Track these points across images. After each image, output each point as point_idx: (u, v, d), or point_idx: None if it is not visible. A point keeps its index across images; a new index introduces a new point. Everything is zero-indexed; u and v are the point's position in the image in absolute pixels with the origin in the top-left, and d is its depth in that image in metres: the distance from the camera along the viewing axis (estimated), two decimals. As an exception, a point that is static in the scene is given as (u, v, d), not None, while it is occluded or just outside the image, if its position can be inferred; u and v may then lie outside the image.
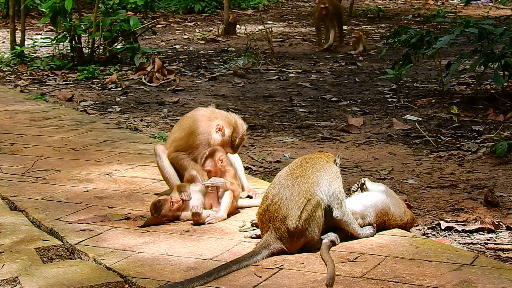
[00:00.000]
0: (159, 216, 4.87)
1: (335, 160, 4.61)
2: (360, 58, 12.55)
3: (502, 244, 4.72)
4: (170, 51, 13.67)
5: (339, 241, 4.44)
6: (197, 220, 4.83)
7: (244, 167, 5.57)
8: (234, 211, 4.99)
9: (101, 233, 4.72)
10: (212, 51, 13.51)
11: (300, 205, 4.28)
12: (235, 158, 5.37)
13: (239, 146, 5.28)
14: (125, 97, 9.74)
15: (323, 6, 13.05)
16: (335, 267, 4.05)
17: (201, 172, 5.09)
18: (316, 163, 4.46)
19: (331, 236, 4.43)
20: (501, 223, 5.04)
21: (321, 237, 4.40)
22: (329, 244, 4.35)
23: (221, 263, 4.15)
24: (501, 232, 4.94)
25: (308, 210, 4.28)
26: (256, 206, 4.75)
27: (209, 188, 4.96)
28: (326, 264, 4.06)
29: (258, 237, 4.49)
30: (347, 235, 4.49)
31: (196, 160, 5.19)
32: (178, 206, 4.91)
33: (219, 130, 5.17)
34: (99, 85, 10.56)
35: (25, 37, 13.01)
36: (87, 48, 12.05)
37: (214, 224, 4.84)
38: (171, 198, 4.92)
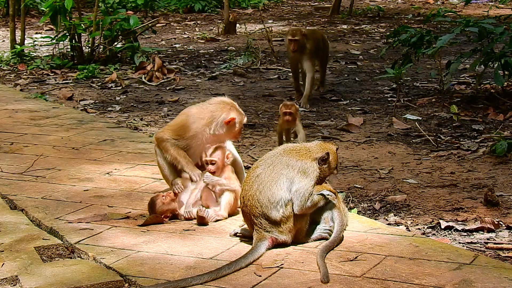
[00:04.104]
0: (156, 213, 4.88)
1: (320, 158, 4.49)
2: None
3: (502, 243, 4.72)
4: (170, 50, 13.67)
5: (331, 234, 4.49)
6: (202, 221, 4.84)
7: (244, 166, 5.56)
8: (235, 211, 4.98)
9: (101, 232, 4.72)
10: (212, 50, 13.51)
11: (271, 202, 4.34)
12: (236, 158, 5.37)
13: (239, 134, 5.29)
14: (125, 96, 9.74)
15: (291, 39, 9.08)
16: (336, 266, 4.06)
17: (191, 168, 5.10)
18: (281, 161, 4.43)
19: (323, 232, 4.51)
20: (501, 223, 5.04)
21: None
22: (329, 244, 4.34)
23: (221, 262, 4.15)
24: (501, 231, 4.94)
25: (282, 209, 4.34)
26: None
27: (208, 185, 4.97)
28: (318, 267, 4.07)
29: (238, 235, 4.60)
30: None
31: (186, 150, 5.18)
32: (170, 198, 4.94)
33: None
34: (99, 84, 10.56)
35: (25, 36, 13.02)
36: (87, 47, 12.05)
37: (214, 223, 4.85)
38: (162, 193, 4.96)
